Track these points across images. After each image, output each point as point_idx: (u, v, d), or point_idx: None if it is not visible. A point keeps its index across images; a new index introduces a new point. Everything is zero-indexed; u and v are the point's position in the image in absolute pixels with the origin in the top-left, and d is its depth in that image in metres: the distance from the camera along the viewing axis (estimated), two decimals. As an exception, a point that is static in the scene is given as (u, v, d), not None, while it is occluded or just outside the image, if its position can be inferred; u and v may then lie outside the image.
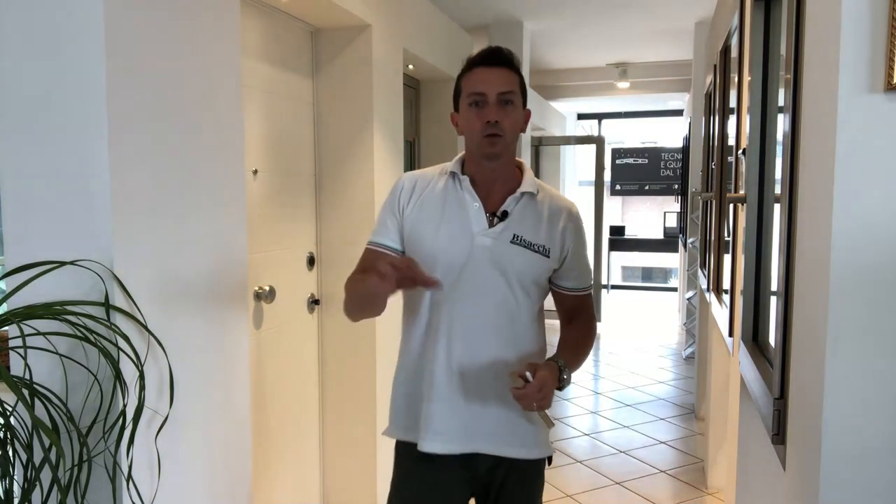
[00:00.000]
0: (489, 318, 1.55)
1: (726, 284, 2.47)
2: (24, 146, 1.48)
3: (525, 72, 5.22)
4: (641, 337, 6.94)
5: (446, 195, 1.58)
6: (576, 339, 1.66)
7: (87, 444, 1.34)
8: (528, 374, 1.40)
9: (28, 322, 1.39)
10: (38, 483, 1.30)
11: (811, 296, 1.10)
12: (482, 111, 1.51)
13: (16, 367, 1.44)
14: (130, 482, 1.43)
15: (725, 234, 2.77)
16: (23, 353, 1.33)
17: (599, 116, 9.67)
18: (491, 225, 1.55)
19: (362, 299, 1.52)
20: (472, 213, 1.55)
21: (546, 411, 1.48)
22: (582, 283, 1.67)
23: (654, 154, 8.85)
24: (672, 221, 9.35)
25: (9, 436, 1.30)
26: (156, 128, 1.59)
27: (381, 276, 1.32)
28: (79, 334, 1.37)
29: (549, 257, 1.57)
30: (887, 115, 0.95)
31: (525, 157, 5.36)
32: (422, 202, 1.58)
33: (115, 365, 1.39)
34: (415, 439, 1.57)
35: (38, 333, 1.39)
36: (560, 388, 1.49)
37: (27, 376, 1.36)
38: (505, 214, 1.56)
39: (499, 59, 1.55)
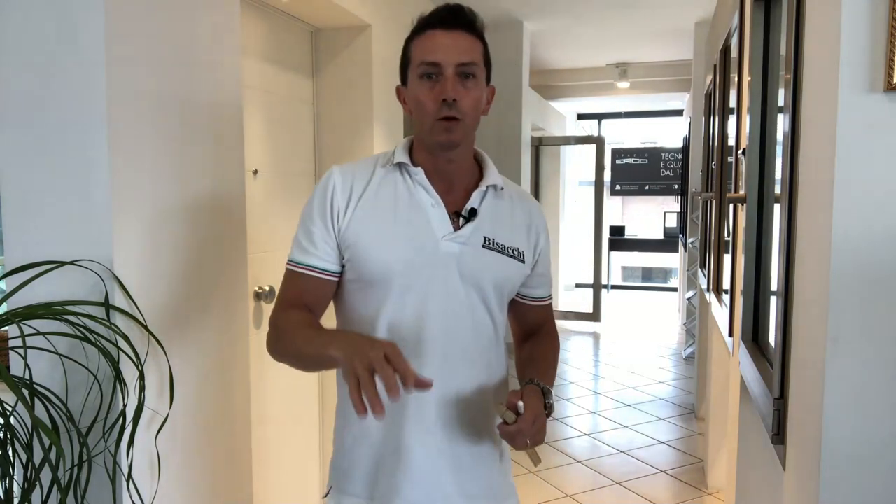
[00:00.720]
0: (466, 345, 1.25)
1: (726, 284, 2.47)
2: (25, 146, 1.48)
3: (525, 72, 5.22)
4: (641, 337, 6.94)
5: (396, 193, 1.25)
6: (547, 356, 1.39)
7: (87, 444, 1.34)
8: (520, 403, 1.15)
9: (28, 322, 1.39)
10: (38, 483, 1.30)
11: (811, 296, 1.10)
12: (436, 86, 1.19)
13: (16, 367, 1.44)
14: (130, 482, 1.43)
15: (725, 234, 2.77)
16: (23, 353, 1.33)
17: (599, 116, 9.68)
18: (457, 227, 1.25)
19: (310, 359, 1.19)
20: (431, 214, 1.24)
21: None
22: (547, 291, 1.43)
23: (654, 154, 8.86)
24: (672, 221, 9.35)
25: (9, 436, 1.30)
26: (156, 128, 1.59)
27: (371, 370, 0.99)
28: (79, 334, 1.37)
29: (524, 262, 1.31)
30: (887, 115, 0.95)
31: (525, 158, 5.36)
32: (364, 203, 1.24)
33: (115, 365, 1.39)
34: None
35: (38, 333, 1.39)
36: (546, 417, 1.22)
37: (27, 376, 1.36)
38: (473, 213, 1.26)
39: (459, 20, 1.22)
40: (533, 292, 1.40)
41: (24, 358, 1.33)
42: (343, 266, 1.26)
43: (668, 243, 9.53)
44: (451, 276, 1.23)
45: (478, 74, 1.23)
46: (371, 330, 1.23)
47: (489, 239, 1.26)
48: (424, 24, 1.23)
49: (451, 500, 1.25)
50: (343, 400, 1.33)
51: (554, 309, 1.52)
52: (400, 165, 1.27)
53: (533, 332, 1.44)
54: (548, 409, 1.21)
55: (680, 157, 8.13)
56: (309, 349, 1.15)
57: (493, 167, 1.33)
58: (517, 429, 1.14)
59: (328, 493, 1.33)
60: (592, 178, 7.66)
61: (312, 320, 1.23)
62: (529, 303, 1.41)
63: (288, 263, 1.28)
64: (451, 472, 1.25)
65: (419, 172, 1.25)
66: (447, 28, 1.21)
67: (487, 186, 1.29)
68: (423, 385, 1.02)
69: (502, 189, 1.32)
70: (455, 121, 1.20)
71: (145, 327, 1.50)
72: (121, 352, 1.42)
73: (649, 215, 12.22)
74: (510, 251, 1.29)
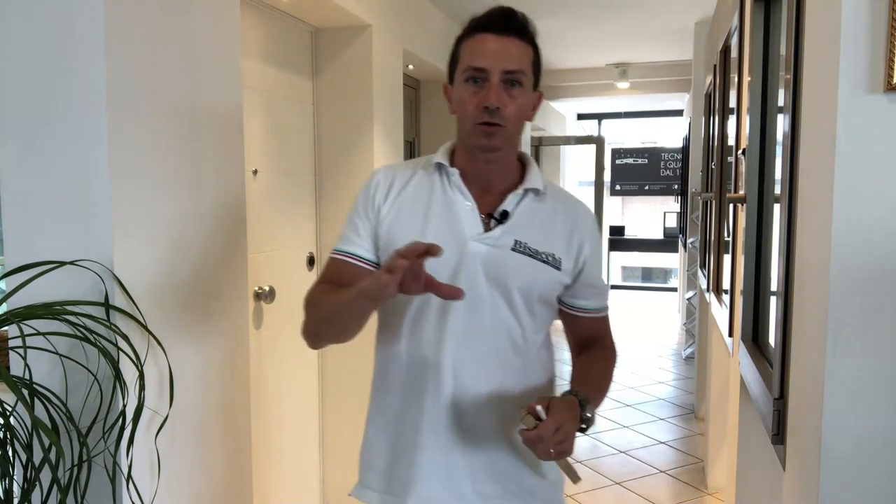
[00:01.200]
0: (487, 346, 1.25)
1: (726, 284, 2.48)
2: (25, 146, 1.48)
3: (525, 72, 5.21)
4: (641, 337, 6.94)
5: (431, 192, 1.28)
6: (596, 371, 1.35)
7: (86, 444, 1.34)
8: (539, 408, 1.09)
9: (28, 322, 1.39)
10: (37, 483, 1.30)
11: (811, 296, 1.10)
12: (480, 91, 1.20)
13: (16, 367, 1.44)
14: (130, 482, 1.43)
15: (725, 234, 2.77)
16: (23, 353, 1.33)
17: (599, 116, 9.67)
18: (487, 228, 1.25)
19: (343, 313, 1.19)
20: (463, 215, 1.25)
21: (569, 459, 1.14)
22: (600, 303, 1.37)
23: (654, 154, 8.85)
24: (672, 222, 9.35)
25: (9, 436, 1.30)
26: (156, 128, 1.59)
27: (390, 270, 1.02)
28: (79, 334, 1.37)
29: (559, 269, 1.27)
30: (887, 115, 0.95)
31: (525, 157, 5.34)
32: (401, 201, 1.28)
33: (114, 365, 1.39)
34: None
35: (38, 333, 1.39)
36: (583, 430, 1.17)
37: (27, 376, 1.36)
38: (504, 215, 1.26)
39: (510, 25, 1.22)
40: (580, 303, 1.36)
41: (24, 358, 1.33)
42: (380, 258, 1.29)
43: (668, 243, 9.52)
44: (476, 276, 1.23)
45: (524, 82, 1.23)
46: (399, 323, 1.27)
47: (520, 242, 1.25)
48: (475, 27, 1.24)
49: (465, 499, 1.26)
50: (372, 392, 1.35)
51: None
52: (438, 166, 1.30)
53: (587, 345, 1.40)
54: (585, 423, 1.17)
55: (680, 157, 8.12)
56: (341, 298, 1.18)
57: (536, 171, 1.32)
58: (536, 435, 1.08)
59: (354, 488, 1.36)
60: (592, 178, 7.66)
61: (330, 287, 1.25)
62: (578, 314, 1.37)
63: (332, 252, 1.31)
64: (466, 471, 1.26)
65: (455, 174, 1.27)
66: (498, 33, 1.21)
67: (525, 190, 1.29)
68: (453, 293, 1.09)
69: (544, 193, 1.31)
70: (497, 127, 1.21)
71: (145, 327, 1.50)
72: (121, 352, 1.42)
73: (649, 215, 12.22)
74: (543, 256, 1.26)
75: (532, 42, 1.25)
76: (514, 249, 1.25)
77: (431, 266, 1.19)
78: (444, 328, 1.24)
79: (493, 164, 1.27)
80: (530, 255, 1.25)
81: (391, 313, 1.29)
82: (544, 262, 1.26)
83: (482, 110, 1.20)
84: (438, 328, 1.24)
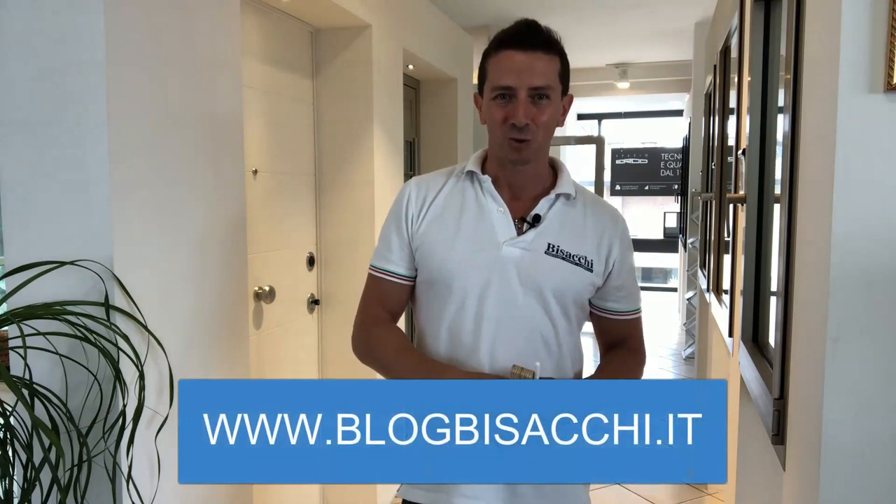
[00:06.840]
0: (521, 347, 1.27)
1: (726, 285, 2.47)
2: (25, 146, 1.48)
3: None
4: (641, 337, 6.93)
5: (464, 199, 1.31)
6: (614, 369, 1.39)
7: (86, 444, 1.34)
8: (538, 364, 1.16)
9: (28, 322, 1.39)
10: (37, 483, 1.30)
11: (811, 296, 1.10)
12: (508, 107, 1.23)
13: (16, 367, 1.44)
14: (130, 482, 1.43)
15: (725, 235, 2.77)
16: (23, 353, 1.33)
17: (599, 117, 9.67)
18: (520, 232, 1.28)
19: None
20: (495, 220, 1.29)
21: None
22: (630, 305, 1.40)
23: (654, 154, 8.85)
24: (672, 222, 9.34)
25: (9, 436, 1.30)
26: (155, 127, 1.59)
27: None
28: (79, 334, 1.37)
29: (591, 271, 1.30)
30: (887, 115, 0.96)
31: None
32: (434, 209, 1.31)
33: (114, 365, 1.39)
34: (439, 503, 1.32)
35: (38, 333, 1.39)
36: None
37: (27, 376, 1.36)
38: (537, 219, 1.29)
39: (535, 40, 1.24)
40: (610, 305, 1.38)
41: (24, 358, 1.33)
42: (416, 269, 1.34)
43: (668, 243, 9.52)
44: (510, 279, 1.26)
45: (552, 95, 1.25)
46: (437, 328, 1.31)
47: (553, 246, 1.28)
48: (500, 43, 1.26)
49: (499, 494, 1.29)
50: None
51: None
52: (470, 174, 1.33)
53: (616, 347, 1.43)
54: None
55: (680, 157, 8.12)
56: (405, 375, 1.28)
57: (567, 176, 1.35)
58: None
59: (400, 487, 1.40)
60: (592, 178, 7.64)
61: (402, 342, 1.33)
62: (608, 316, 1.40)
63: (370, 267, 1.38)
64: None
65: (487, 181, 1.31)
66: (522, 49, 1.23)
67: (557, 195, 1.31)
68: None
69: (575, 198, 1.33)
70: (526, 142, 1.24)
71: (145, 327, 1.50)
72: (121, 352, 1.42)
73: (649, 215, 12.20)
74: (576, 259, 1.29)
75: (558, 52, 1.27)
76: (547, 253, 1.28)
77: (467, 270, 1.26)
78: (479, 331, 1.27)
79: (525, 170, 1.31)
80: (563, 258, 1.28)
81: (429, 319, 1.34)
82: (577, 264, 1.29)
83: (510, 127, 1.23)
84: (475, 332, 1.27)
